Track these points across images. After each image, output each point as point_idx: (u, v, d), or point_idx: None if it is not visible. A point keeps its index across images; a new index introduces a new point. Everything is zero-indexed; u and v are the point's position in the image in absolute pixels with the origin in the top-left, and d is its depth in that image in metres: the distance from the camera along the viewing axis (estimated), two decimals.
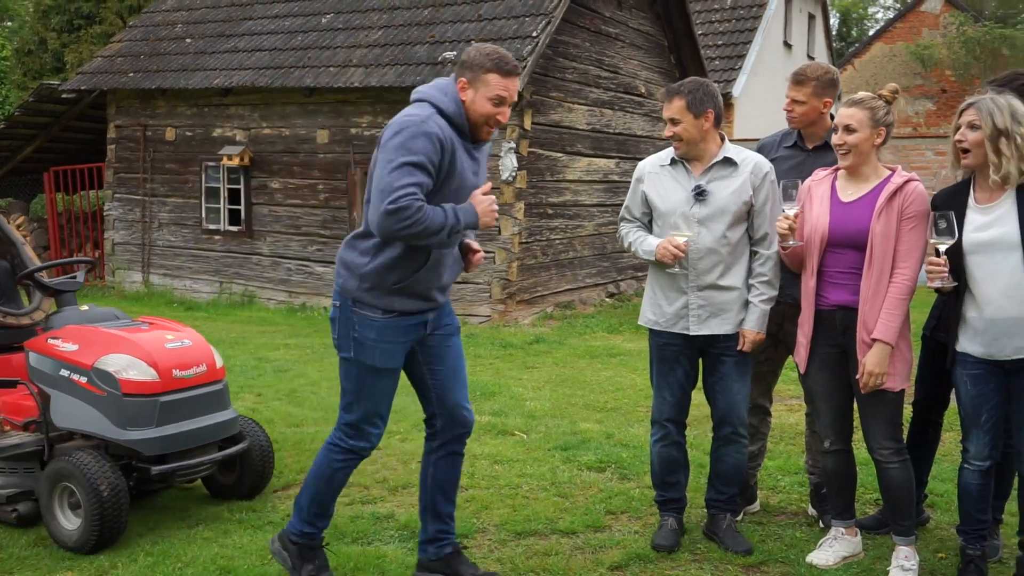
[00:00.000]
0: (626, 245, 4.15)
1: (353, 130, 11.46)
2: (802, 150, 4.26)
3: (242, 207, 12.29)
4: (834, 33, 29.68)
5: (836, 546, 3.87)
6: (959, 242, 3.43)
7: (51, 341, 4.31)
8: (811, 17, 22.54)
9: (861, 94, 3.71)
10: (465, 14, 11.26)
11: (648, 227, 4.10)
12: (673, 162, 4.00)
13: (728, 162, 3.93)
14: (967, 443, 3.60)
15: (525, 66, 10.08)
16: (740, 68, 17.83)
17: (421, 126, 3.28)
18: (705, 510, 4.25)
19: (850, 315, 3.64)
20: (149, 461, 4.11)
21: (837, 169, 3.76)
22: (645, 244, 3.99)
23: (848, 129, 3.60)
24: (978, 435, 3.54)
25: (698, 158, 3.95)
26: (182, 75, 12.51)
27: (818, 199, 3.74)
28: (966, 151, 3.45)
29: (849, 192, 3.69)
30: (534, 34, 10.44)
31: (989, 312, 3.40)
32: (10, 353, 4.75)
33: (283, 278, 12.05)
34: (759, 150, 4.35)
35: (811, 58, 22.08)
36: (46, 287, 4.68)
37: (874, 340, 3.55)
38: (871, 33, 31.63)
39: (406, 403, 6.55)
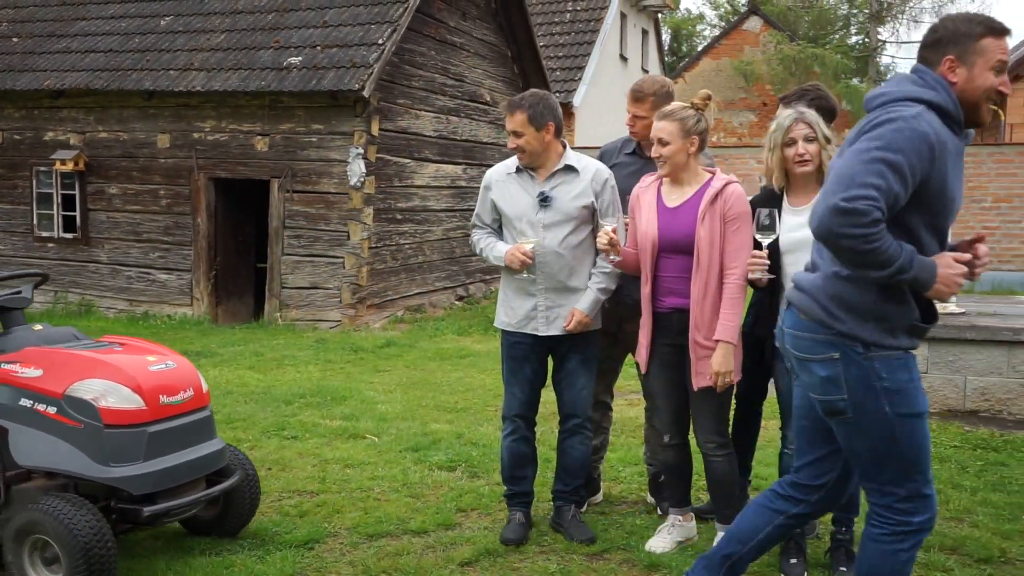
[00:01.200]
0: (478, 251, 4.22)
1: (196, 135, 11.02)
2: (641, 157, 4.39)
3: (78, 213, 11.61)
4: (666, 48, 30.89)
5: (674, 532, 4.03)
6: (776, 241, 3.63)
7: (5, 367, 3.62)
8: (644, 32, 23.39)
9: (673, 106, 3.83)
10: (310, 20, 11.05)
11: (498, 232, 4.18)
12: (519, 170, 4.09)
13: (570, 169, 4.03)
14: (787, 430, 3.82)
15: (371, 72, 10.00)
16: (580, 79, 18.30)
17: (911, 121, 2.62)
18: (552, 504, 4.34)
19: (686, 317, 3.77)
20: (135, 501, 3.50)
21: (661, 176, 3.88)
22: (495, 250, 4.09)
23: (661, 142, 3.73)
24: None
25: (542, 166, 4.04)
26: (8, 76, 11.70)
27: (646, 206, 3.85)
28: (806, 161, 3.61)
29: (673, 198, 3.81)
30: (380, 41, 10.36)
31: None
32: None
33: (123, 286, 11.46)
34: (601, 157, 4.49)
35: (645, 71, 22.91)
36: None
37: (717, 341, 3.67)
38: (699, 49, 33.15)
39: (253, 411, 6.41)
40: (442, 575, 3.76)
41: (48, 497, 3.42)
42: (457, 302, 12.85)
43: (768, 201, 3.76)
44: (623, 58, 21.29)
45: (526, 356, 4.11)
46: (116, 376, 3.53)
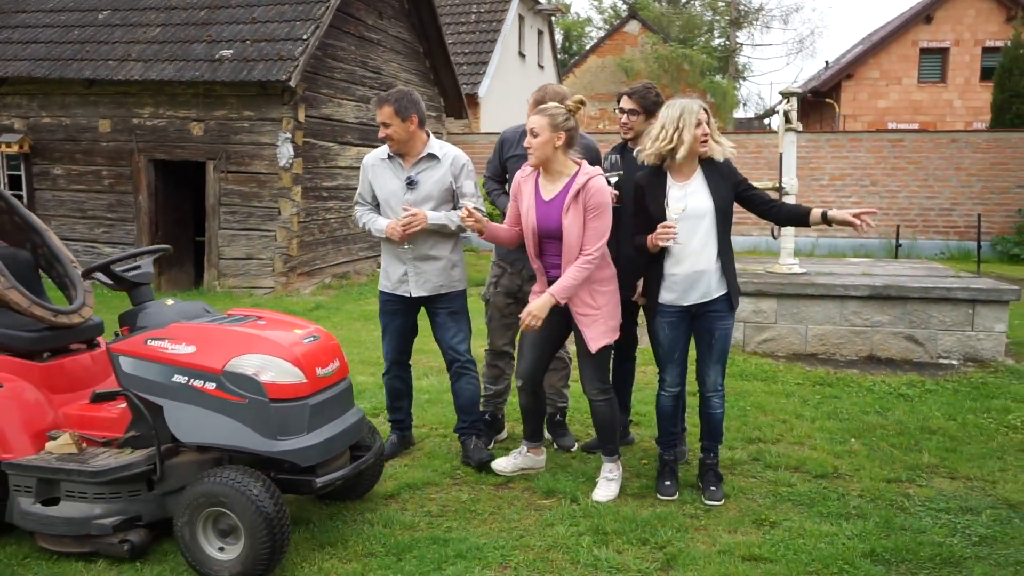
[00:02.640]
0: (360, 225, 4.29)
1: (135, 120, 10.48)
2: None
3: (24, 192, 10.93)
4: (559, 47, 30.86)
5: (518, 459, 4.15)
6: (662, 212, 3.68)
7: (153, 343, 3.20)
8: (540, 32, 23.28)
9: (548, 104, 3.84)
10: (239, 16, 10.59)
11: (377, 209, 4.25)
12: (390, 156, 4.16)
13: (432, 156, 4.13)
14: (664, 375, 3.92)
15: (297, 65, 9.69)
16: (484, 73, 18.12)
17: None
18: (459, 441, 4.37)
19: None
20: (297, 473, 3.18)
21: (531, 165, 3.85)
22: (376, 223, 4.16)
23: (532, 133, 3.73)
24: (672, 368, 3.87)
25: (408, 153, 4.12)
26: None
27: (527, 196, 3.84)
28: (707, 141, 3.69)
29: (548, 191, 3.80)
30: (304, 36, 10.03)
31: (684, 267, 3.69)
32: (62, 357, 3.62)
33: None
34: (502, 142, 4.48)
35: (541, 66, 22.85)
36: (122, 280, 3.42)
37: (550, 294, 3.69)
38: (587, 48, 33.21)
39: None
40: (367, 507, 3.74)
41: (226, 469, 3.05)
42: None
43: (653, 178, 3.77)
44: (522, 55, 21.17)
45: (396, 312, 4.27)
46: (274, 350, 3.15)
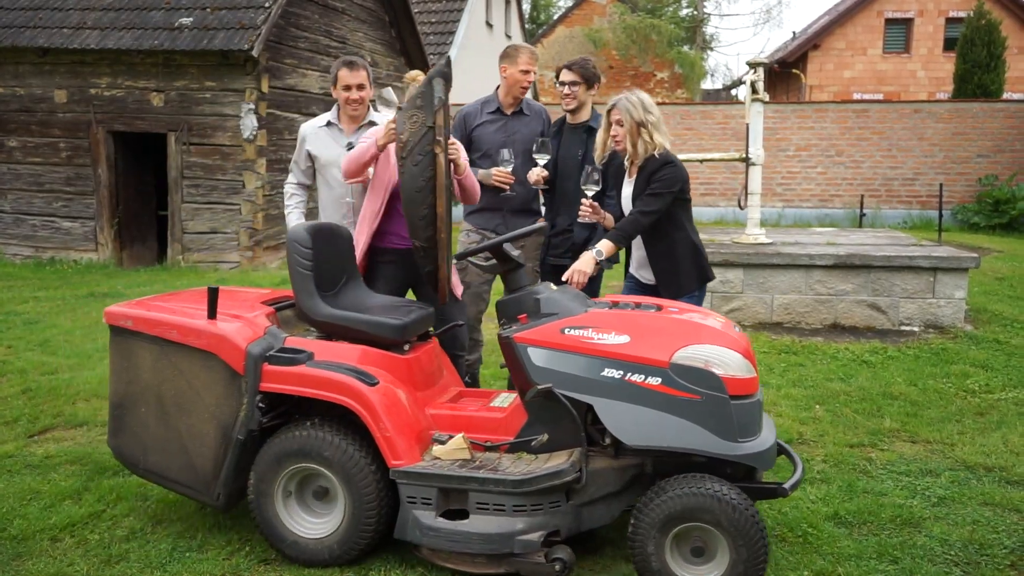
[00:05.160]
0: (285, 209, 4.30)
1: (92, 90, 10.20)
2: (503, 115, 4.46)
3: None
4: (526, 17, 30.56)
5: None
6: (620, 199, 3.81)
7: (573, 332, 2.82)
8: (508, 2, 23.02)
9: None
10: None
11: (312, 177, 4.28)
12: (328, 124, 4.19)
13: (372, 124, 4.17)
14: None
15: (259, 34, 9.48)
16: (451, 43, 17.91)
17: None
18: None
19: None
20: (753, 479, 2.84)
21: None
22: (290, 218, 4.24)
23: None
24: None
25: (355, 119, 4.16)
26: None
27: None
28: (619, 142, 3.69)
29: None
30: (266, 4, 9.81)
31: (640, 251, 3.81)
32: (417, 349, 3.28)
33: (28, 234, 10.61)
34: (464, 117, 4.49)
35: (508, 36, 22.63)
36: (508, 260, 3.06)
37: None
38: (555, 18, 32.94)
39: None
40: None
41: (700, 480, 2.65)
42: None
43: (620, 172, 3.85)
44: (489, 24, 20.94)
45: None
46: (723, 341, 2.81)
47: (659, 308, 3.02)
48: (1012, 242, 12.24)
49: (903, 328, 6.57)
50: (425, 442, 3.01)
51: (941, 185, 13.06)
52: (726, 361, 2.75)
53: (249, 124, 9.91)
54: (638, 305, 3.04)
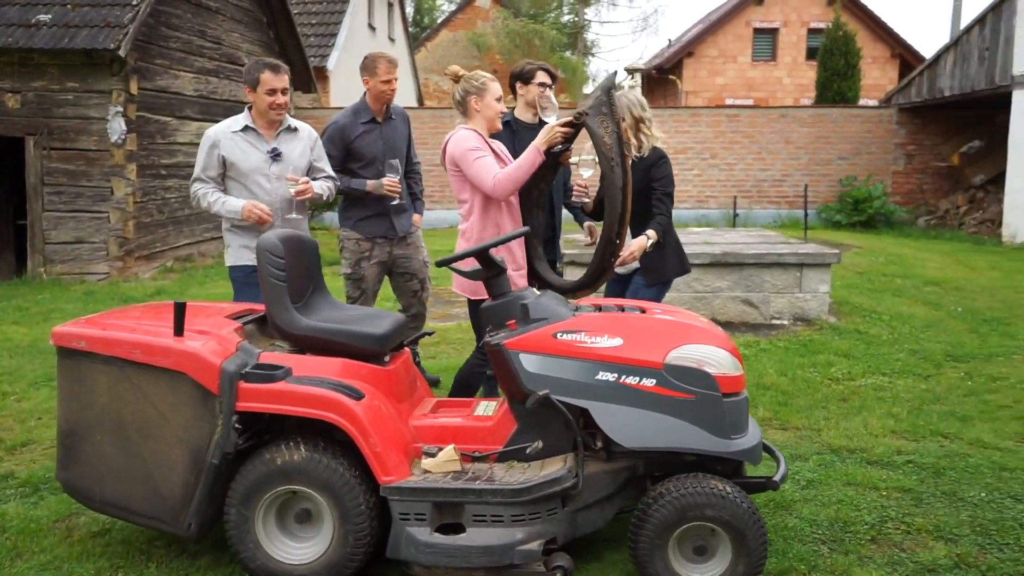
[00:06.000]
0: (204, 205, 4.04)
1: None
2: (377, 123, 4.67)
3: None
4: (410, 20, 30.38)
5: None
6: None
7: (566, 336, 2.80)
8: (391, 5, 22.83)
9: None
10: None
11: (223, 183, 4.09)
12: (245, 129, 4.05)
13: (291, 129, 4.13)
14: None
15: (126, 32, 9.02)
16: (333, 45, 17.59)
17: None
18: None
19: None
20: (741, 473, 2.93)
21: None
22: (229, 204, 3.99)
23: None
24: None
25: (272, 124, 4.07)
26: None
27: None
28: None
29: None
30: (134, 2, 9.34)
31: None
32: (396, 360, 3.17)
33: None
34: (341, 129, 4.57)
35: (392, 39, 22.44)
36: (493, 266, 3.04)
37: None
38: (439, 21, 32.92)
39: (19, 364, 5.72)
40: None
41: (704, 480, 2.68)
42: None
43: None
44: (372, 27, 20.68)
45: (254, 282, 4.26)
46: (712, 340, 2.85)
47: (643, 311, 3.05)
48: (870, 238, 13.12)
49: (774, 322, 6.92)
50: (412, 456, 2.92)
51: (806, 186, 13.86)
52: (718, 360, 2.80)
53: (117, 127, 9.41)
54: (622, 308, 3.06)
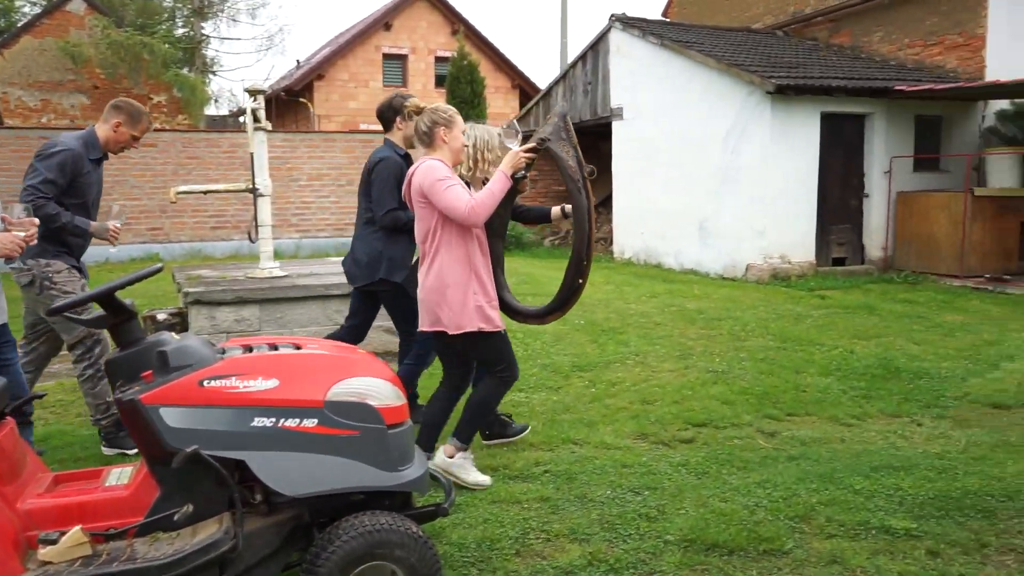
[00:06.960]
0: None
1: None
2: (100, 163, 4.72)
3: None
4: None
5: None
6: None
7: (213, 383, 2.56)
8: None
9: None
10: None
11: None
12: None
13: None
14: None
15: None
16: None
17: None
18: None
19: None
20: (410, 504, 2.97)
21: None
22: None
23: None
24: None
25: None
26: None
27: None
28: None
29: None
30: None
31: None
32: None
33: None
34: (74, 161, 4.46)
35: None
36: (121, 310, 2.69)
37: None
38: (20, 25, 29.16)
39: None
40: None
41: (371, 516, 2.66)
42: None
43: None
44: None
45: None
46: (372, 371, 2.80)
47: (298, 347, 2.89)
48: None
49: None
50: (24, 548, 2.51)
51: None
52: (380, 392, 2.78)
53: None
54: (274, 347, 2.89)
